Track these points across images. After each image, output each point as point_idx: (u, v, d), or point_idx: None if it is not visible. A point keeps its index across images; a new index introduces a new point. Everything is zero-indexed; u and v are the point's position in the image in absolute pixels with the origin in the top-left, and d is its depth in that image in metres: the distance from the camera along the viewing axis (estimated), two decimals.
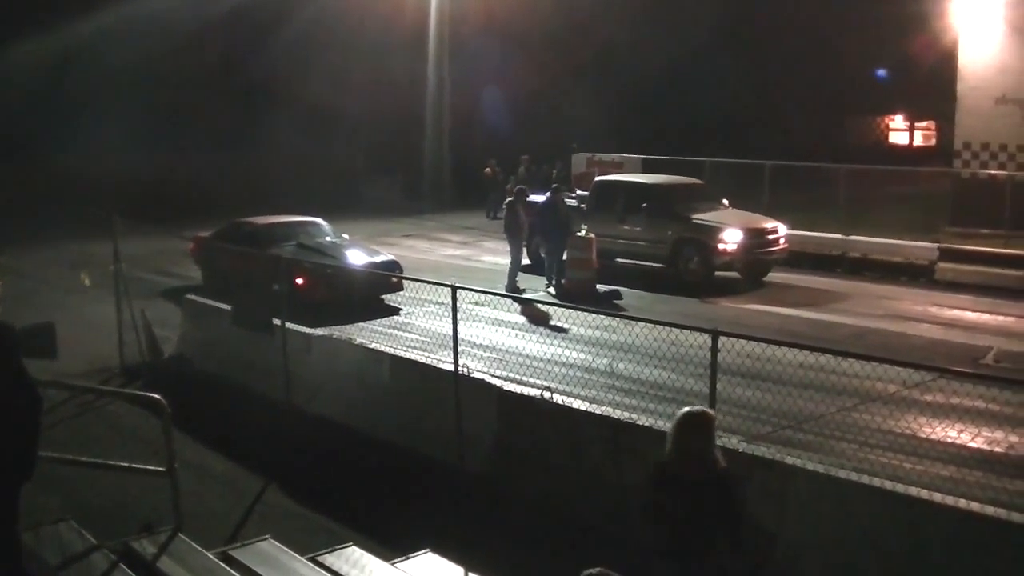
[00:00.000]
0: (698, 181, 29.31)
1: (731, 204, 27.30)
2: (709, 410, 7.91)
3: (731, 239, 25.00)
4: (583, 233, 24.76)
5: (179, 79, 42.40)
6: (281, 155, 45.03)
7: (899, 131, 66.70)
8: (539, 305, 21.23)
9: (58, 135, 39.49)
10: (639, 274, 26.04)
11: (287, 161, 44.89)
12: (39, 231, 32.33)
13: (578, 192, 30.07)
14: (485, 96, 49.54)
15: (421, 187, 46.73)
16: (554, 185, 27.60)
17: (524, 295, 23.31)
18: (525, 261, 26.81)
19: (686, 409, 7.69)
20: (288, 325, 15.87)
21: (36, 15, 38.76)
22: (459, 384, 13.14)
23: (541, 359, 16.71)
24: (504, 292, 22.98)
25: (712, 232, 25.21)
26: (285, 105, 44.18)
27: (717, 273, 25.46)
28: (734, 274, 25.73)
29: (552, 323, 20.34)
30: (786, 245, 26.43)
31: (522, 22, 47.10)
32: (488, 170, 40.79)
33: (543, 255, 25.59)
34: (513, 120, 48.03)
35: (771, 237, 25.99)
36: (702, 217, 25.80)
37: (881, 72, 60.45)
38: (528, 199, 26.36)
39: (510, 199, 25.67)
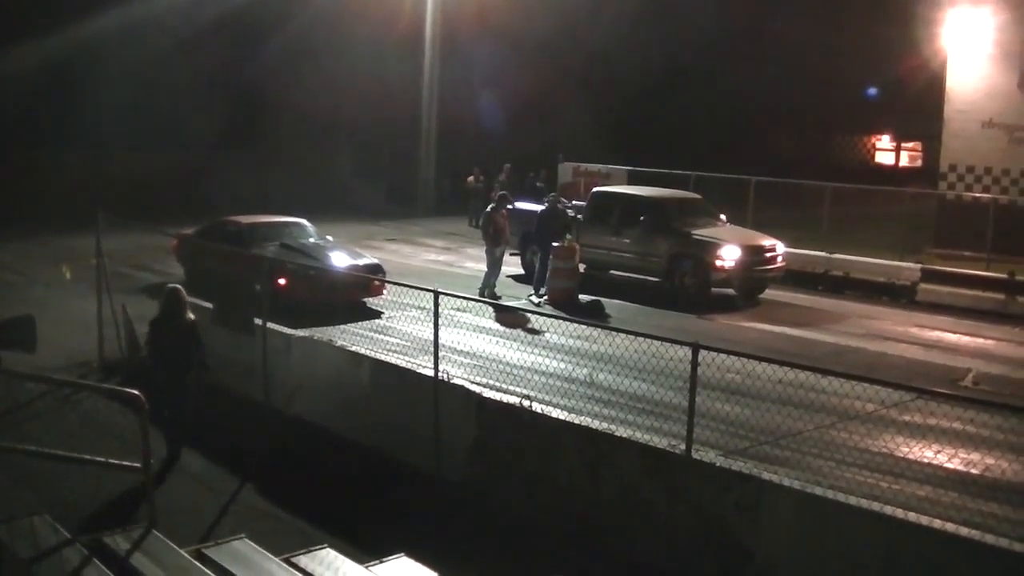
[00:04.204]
0: (697, 196, 28.98)
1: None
2: (179, 286, 13.76)
3: (729, 256, 24.78)
4: (566, 242, 24.69)
5: (173, 80, 42.22)
6: (269, 156, 44.98)
7: (886, 151, 66.84)
8: (521, 313, 21.22)
9: (55, 133, 39.38)
10: (635, 287, 26.01)
11: (275, 162, 44.86)
12: (24, 225, 32.22)
13: (574, 202, 29.82)
14: (474, 103, 49.54)
15: (407, 192, 46.68)
16: (552, 194, 27.54)
17: (507, 303, 23.28)
18: (517, 271, 26.80)
19: (168, 286, 13.92)
20: (269, 325, 15.83)
21: (37, 15, 38.64)
22: (439, 390, 13.11)
23: (522, 367, 16.66)
24: (486, 299, 23.01)
25: (710, 248, 24.98)
26: (275, 108, 44.12)
27: (713, 289, 25.30)
28: (730, 290, 25.64)
29: (534, 332, 20.36)
30: (784, 263, 26.20)
31: (513, 33, 47.08)
32: (471, 178, 40.77)
33: (537, 264, 25.43)
34: (501, 128, 48.02)
35: (769, 255, 25.71)
36: (701, 233, 25.56)
37: (872, 90, 60.52)
38: (514, 206, 26.35)
39: (492, 205, 25.60)
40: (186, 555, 9.14)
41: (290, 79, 44.26)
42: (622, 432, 11.54)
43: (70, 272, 23.47)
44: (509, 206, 25.88)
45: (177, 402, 13.11)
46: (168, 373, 13.16)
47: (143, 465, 9.85)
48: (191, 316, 13.49)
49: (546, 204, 26.01)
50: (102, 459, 10.65)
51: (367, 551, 9.97)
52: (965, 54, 32.72)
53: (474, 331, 20.02)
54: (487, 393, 13.13)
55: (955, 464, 13.06)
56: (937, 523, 9.05)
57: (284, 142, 45.48)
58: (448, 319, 16.50)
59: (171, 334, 13.24)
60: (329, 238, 24.71)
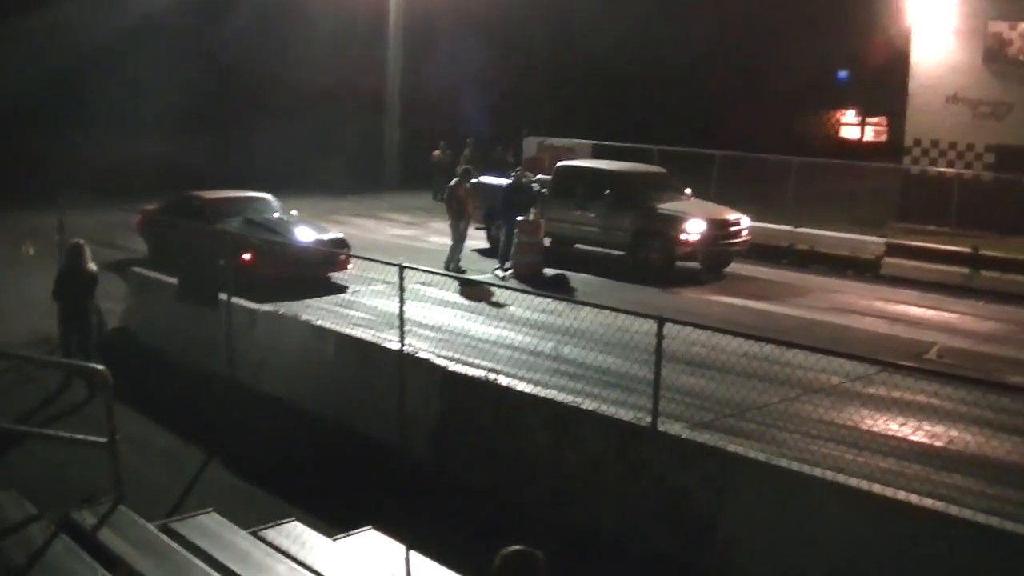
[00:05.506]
0: (661, 170, 28.97)
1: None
2: (81, 241, 15.63)
3: (694, 229, 24.77)
4: (531, 216, 24.70)
5: (137, 59, 41.90)
6: (234, 132, 44.73)
7: (850, 126, 67.01)
8: (487, 287, 21.22)
9: (17, 111, 39.09)
10: (600, 261, 26.01)
11: (240, 138, 44.59)
12: None
13: (539, 176, 29.78)
14: (439, 78, 49.41)
15: (370, 167, 46.53)
16: (517, 169, 27.50)
17: (473, 277, 23.27)
18: (482, 244, 26.77)
19: (70, 241, 15.84)
20: (233, 300, 15.78)
21: None
22: (404, 364, 13.11)
23: (487, 341, 16.71)
24: (452, 273, 22.98)
25: (675, 222, 24.97)
26: (240, 83, 43.94)
27: (678, 263, 25.33)
28: (695, 264, 25.64)
29: (499, 305, 20.35)
30: (748, 237, 26.25)
31: (478, 7, 47.01)
32: (437, 152, 40.68)
33: (502, 239, 25.41)
34: (466, 103, 47.94)
35: (734, 229, 25.75)
36: (665, 206, 25.55)
37: (842, 74, 60.83)
38: (477, 180, 26.37)
39: (455, 179, 25.61)
40: (153, 529, 9.13)
41: (254, 54, 44.09)
42: (587, 405, 11.55)
43: (32, 249, 23.27)
44: (472, 180, 25.89)
45: (81, 334, 15.45)
46: (72, 312, 15.40)
47: (108, 440, 9.80)
48: (93, 267, 15.60)
49: (511, 178, 25.98)
50: (67, 434, 10.61)
51: (334, 524, 9.99)
52: (930, 29, 32.86)
53: (439, 305, 19.97)
54: (452, 367, 13.14)
55: (919, 436, 13.13)
56: (901, 495, 9.10)
57: (248, 118, 45.22)
58: (413, 293, 16.43)
59: (74, 281, 15.39)
60: (294, 213, 24.60)
